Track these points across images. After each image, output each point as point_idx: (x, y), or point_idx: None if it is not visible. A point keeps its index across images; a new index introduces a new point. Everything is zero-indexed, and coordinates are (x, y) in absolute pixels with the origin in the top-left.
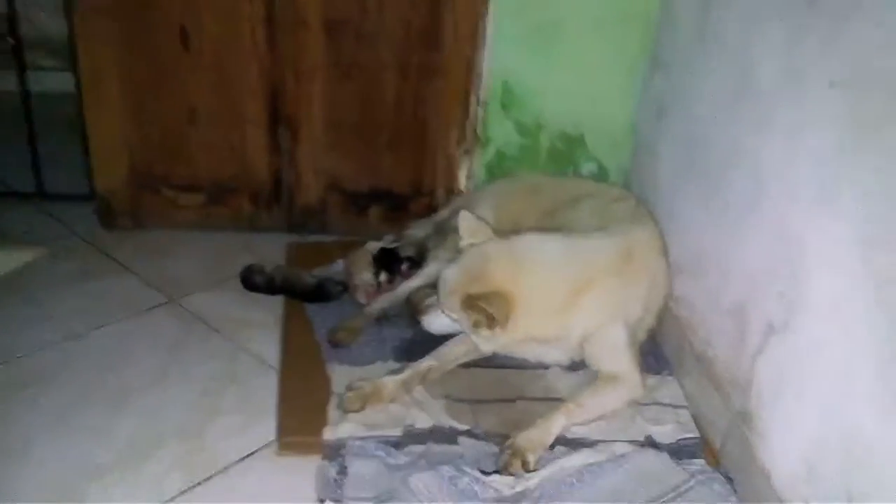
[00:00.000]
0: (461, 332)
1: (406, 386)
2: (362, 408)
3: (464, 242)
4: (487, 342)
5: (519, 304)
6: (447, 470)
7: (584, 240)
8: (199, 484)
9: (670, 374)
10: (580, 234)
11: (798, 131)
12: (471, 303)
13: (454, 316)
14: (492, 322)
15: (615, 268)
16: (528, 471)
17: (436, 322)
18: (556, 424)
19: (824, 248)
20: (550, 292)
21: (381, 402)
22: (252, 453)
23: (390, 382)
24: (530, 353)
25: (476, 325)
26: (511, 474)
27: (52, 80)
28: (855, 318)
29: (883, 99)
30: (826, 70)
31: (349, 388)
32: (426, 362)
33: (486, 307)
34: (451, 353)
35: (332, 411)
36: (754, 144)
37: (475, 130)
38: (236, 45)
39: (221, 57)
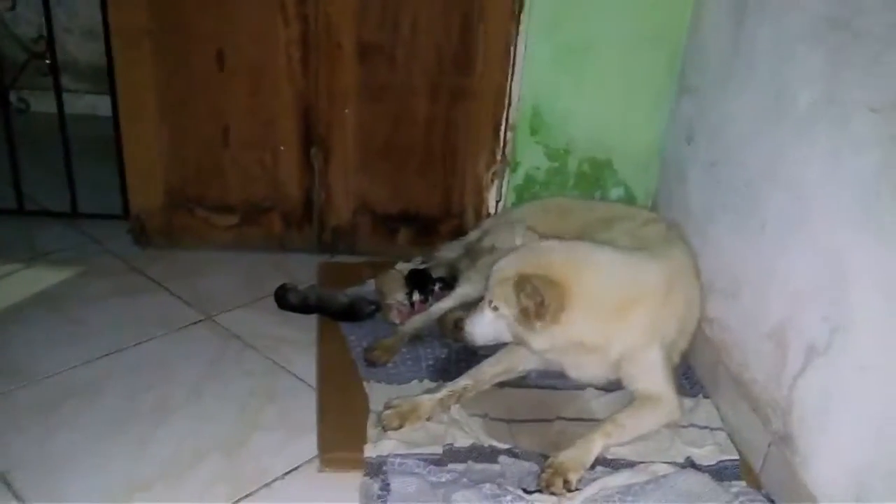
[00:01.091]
0: (502, 341)
1: (443, 404)
2: (401, 426)
3: (518, 242)
4: (534, 336)
5: (571, 298)
6: (489, 488)
7: (632, 257)
8: (244, 498)
9: (705, 397)
10: (627, 251)
11: (839, 153)
12: (524, 282)
13: (502, 306)
14: (541, 309)
15: (660, 290)
16: (569, 490)
17: (479, 327)
18: (597, 445)
19: (869, 270)
20: (601, 297)
21: (418, 420)
22: (294, 468)
23: (427, 401)
24: (570, 363)
25: (524, 313)
26: (553, 493)
27: (78, 103)
28: None
29: None
30: (867, 95)
31: (387, 406)
32: (462, 381)
33: (540, 288)
34: (487, 373)
35: (371, 429)
36: (793, 165)
37: (504, 154)
38: (271, 68)
39: (256, 79)
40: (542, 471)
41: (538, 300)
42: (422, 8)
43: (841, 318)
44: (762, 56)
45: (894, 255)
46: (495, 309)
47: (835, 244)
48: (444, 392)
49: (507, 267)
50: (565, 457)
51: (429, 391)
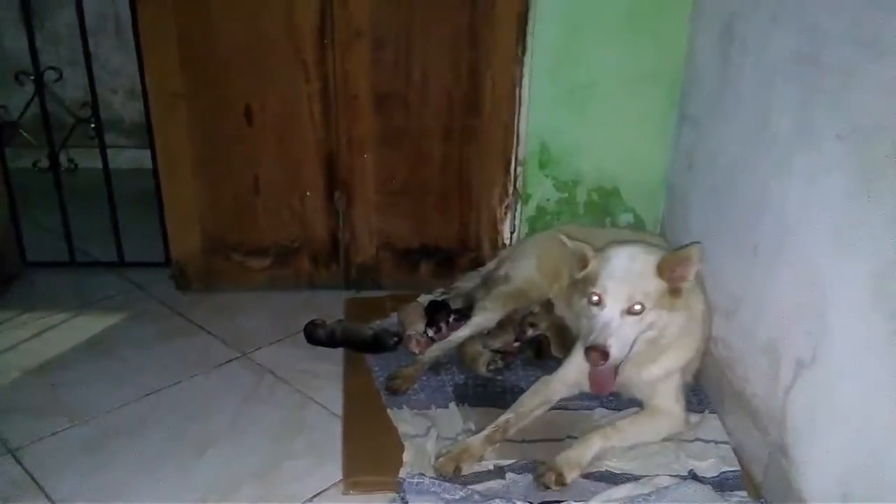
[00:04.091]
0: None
1: (490, 440)
2: (457, 468)
3: (588, 252)
4: (673, 317)
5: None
6: (499, 503)
7: None
8: None
9: (712, 412)
10: None
11: (813, 178)
12: (669, 264)
13: (647, 299)
14: (686, 277)
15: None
16: (562, 484)
17: (619, 340)
18: (594, 446)
19: (842, 286)
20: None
21: (472, 459)
22: (321, 492)
23: (476, 441)
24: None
25: (667, 296)
26: (545, 485)
27: (124, 158)
28: (871, 351)
29: (883, 148)
30: (834, 123)
31: (439, 455)
32: (504, 416)
33: (689, 258)
34: (527, 406)
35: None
36: (777, 191)
37: (516, 188)
38: (295, 119)
39: (282, 130)
40: (538, 466)
41: (681, 276)
42: (431, 58)
43: (822, 332)
44: (746, 88)
45: (862, 272)
46: (637, 312)
47: (813, 263)
48: (489, 429)
49: (635, 266)
50: (561, 457)
51: (472, 432)
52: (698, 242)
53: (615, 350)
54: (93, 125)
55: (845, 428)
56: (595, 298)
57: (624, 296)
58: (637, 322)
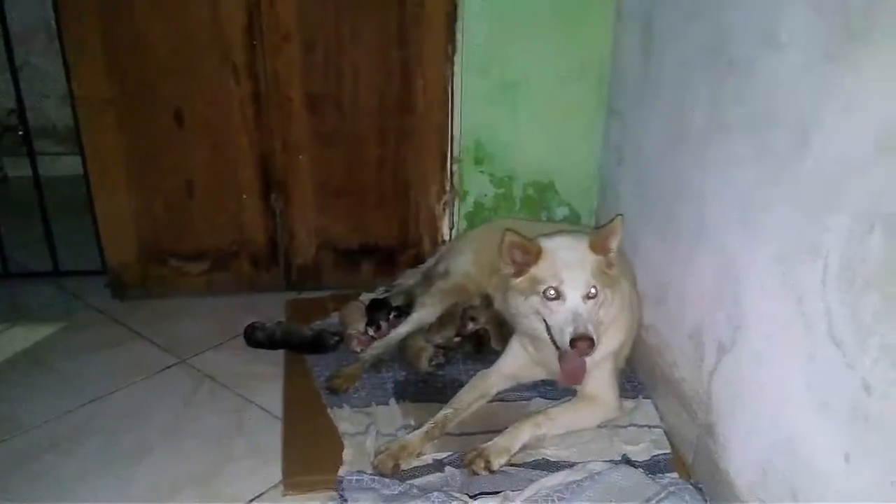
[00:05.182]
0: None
1: (429, 436)
2: (396, 465)
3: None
4: (612, 292)
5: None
6: (437, 496)
7: None
8: None
9: (646, 397)
10: None
11: (725, 168)
12: (600, 241)
13: (596, 281)
14: (611, 248)
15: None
16: (490, 471)
17: (592, 326)
18: (524, 433)
19: (753, 271)
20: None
21: (410, 456)
22: (260, 494)
23: (414, 437)
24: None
25: (606, 268)
26: (474, 471)
27: (60, 165)
28: (783, 333)
29: (784, 138)
30: (742, 116)
31: (378, 452)
32: (443, 412)
33: (615, 229)
34: (465, 401)
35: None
36: (694, 182)
37: (453, 185)
38: (227, 122)
39: (214, 133)
40: (467, 453)
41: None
42: (361, 59)
43: (739, 316)
44: (666, 82)
45: (770, 258)
46: (594, 295)
47: (728, 250)
48: (428, 425)
49: (577, 253)
50: (492, 444)
51: (412, 428)
52: (620, 215)
53: (595, 335)
54: (20, 132)
55: (763, 407)
56: (552, 293)
57: (582, 282)
58: (596, 304)
